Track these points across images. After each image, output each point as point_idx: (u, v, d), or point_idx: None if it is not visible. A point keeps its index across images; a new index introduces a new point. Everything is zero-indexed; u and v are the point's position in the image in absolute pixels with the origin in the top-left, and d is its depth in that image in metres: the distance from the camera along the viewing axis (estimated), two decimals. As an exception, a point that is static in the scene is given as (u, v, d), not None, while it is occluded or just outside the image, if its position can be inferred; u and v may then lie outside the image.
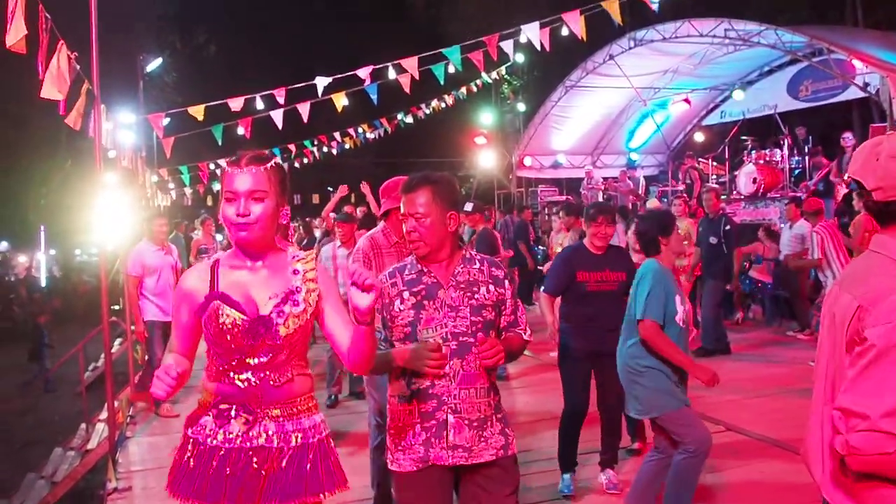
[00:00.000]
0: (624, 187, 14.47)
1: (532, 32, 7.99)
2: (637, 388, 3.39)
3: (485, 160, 18.90)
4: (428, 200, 2.34)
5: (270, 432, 1.96)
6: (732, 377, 6.59)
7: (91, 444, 6.37)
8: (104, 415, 6.82)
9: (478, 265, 2.43)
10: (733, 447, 4.78)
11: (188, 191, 19.20)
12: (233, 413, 1.95)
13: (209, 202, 21.33)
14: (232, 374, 1.96)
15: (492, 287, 2.39)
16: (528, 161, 16.41)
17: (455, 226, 2.39)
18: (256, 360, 1.95)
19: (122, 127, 8.41)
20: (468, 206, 7.73)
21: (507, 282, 2.45)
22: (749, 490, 4.09)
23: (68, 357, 10.87)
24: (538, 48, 8.25)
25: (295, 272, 2.02)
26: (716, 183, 12.99)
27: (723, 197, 11.78)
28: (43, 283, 24.58)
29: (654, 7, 8.51)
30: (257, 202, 1.92)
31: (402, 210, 2.39)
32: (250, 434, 1.95)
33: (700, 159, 13.63)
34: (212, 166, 14.76)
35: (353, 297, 1.86)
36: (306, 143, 15.06)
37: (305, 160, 16.49)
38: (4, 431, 9.89)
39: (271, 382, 1.96)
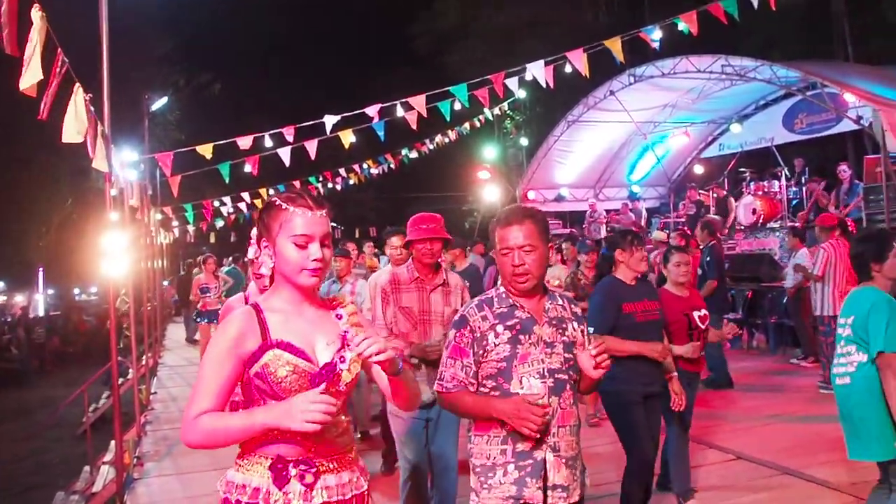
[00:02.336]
0: (626, 219, 14.55)
1: (537, 70, 8.14)
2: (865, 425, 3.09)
3: (488, 194, 19.03)
4: (535, 233, 2.27)
5: (332, 485, 1.86)
6: (740, 405, 6.57)
7: (96, 487, 6.28)
8: (108, 456, 6.77)
9: (560, 301, 2.39)
10: (744, 475, 4.75)
11: (191, 228, 19.26)
12: (292, 472, 1.80)
13: (211, 240, 21.42)
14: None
15: (576, 324, 2.36)
16: (531, 195, 16.52)
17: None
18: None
19: (129, 166, 8.46)
20: None
21: (584, 318, 2.43)
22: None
23: (72, 399, 10.76)
24: (543, 85, 8.39)
25: (339, 317, 1.95)
26: (715, 215, 13.09)
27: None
28: (41, 326, 24.46)
29: (655, 45, 8.68)
30: (327, 248, 1.86)
31: (501, 243, 2.29)
32: (312, 493, 1.82)
33: (701, 191, 13.74)
34: (216, 203, 14.84)
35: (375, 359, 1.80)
36: (311, 179, 15.18)
37: (309, 196, 16.52)
38: (4, 476, 9.75)
39: (329, 433, 1.84)
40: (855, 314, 3.10)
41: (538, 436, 2.13)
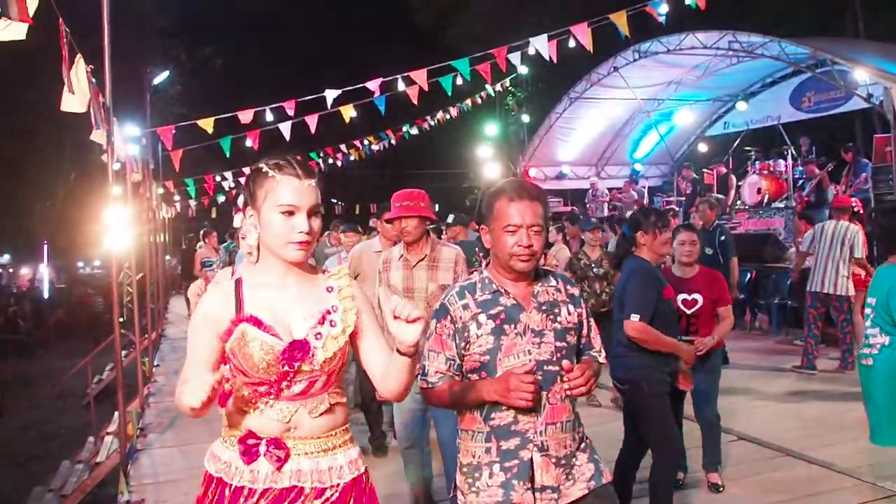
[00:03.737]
0: (628, 198, 14.49)
1: (541, 44, 8.05)
2: None
3: (489, 171, 18.96)
4: (543, 213, 2.10)
5: (305, 470, 1.74)
6: (741, 386, 6.58)
7: (100, 457, 6.34)
8: (112, 427, 6.83)
9: (554, 282, 2.19)
10: (746, 456, 4.77)
11: (192, 203, 19.25)
12: (262, 449, 1.72)
13: (213, 214, 21.40)
14: (261, 404, 1.74)
15: (571, 307, 2.16)
16: (532, 172, 16.43)
17: None
18: (290, 390, 1.74)
19: (131, 140, 8.42)
20: (450, 218, 7.46)
21: (581, 300, 2.23)
22: (764, 499, 4.06)
23: (77, 370, 10.84)
24: (546, 59, 8.31)
25: (329, 289, 1.82)
26: (721, 193, 13.04)
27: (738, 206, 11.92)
28: (45, 296, 24.61)
29: (661, 19, 8.57)
30: (315, 218, 1.75)
31: (506, 219, 2.08)
32: (281, 473, 1.73)
33: (704, 170, 13.65)
34: (217, 178, 14.80)
35: (398, 330, 1.67)
36: (312, 154, 15.12)
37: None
38: (9, 445, 9.85)
39: (308, 413, 1.75)
40: (877, 296, 3.05)
41: (532, 405, 1.95)
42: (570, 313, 2.15)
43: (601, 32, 8.32)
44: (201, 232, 12.01)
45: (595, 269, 5.97)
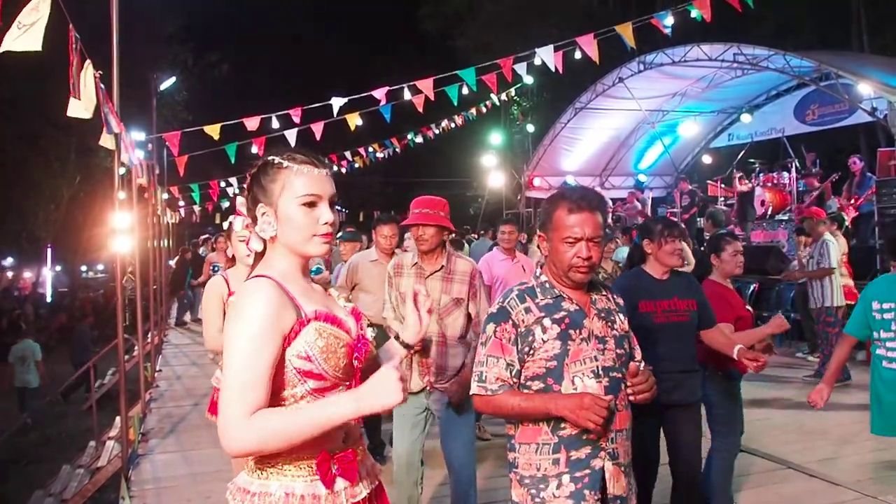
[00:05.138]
0: (632, 209, 14.51)
1: (547, 55, 8.09)
2: None
3: (494, 180, 19.00)
4: (604, 223, 2.06)
5: (363, 475, 1.64)
6: (742, 398, 6.55)
7: (101, 462, 6.35)
8: (114, 432, 6.84)
9: (604, 291, 2.17)
10: (746, 469, 4.75)
11: (197, 208, 19.32)
12: (333, 467, 1.56)
13: (217, 220, 21.48)
14: None
15: (622, 316, 2.15)
16: (537, 181, 16.48)
17: None
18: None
19: (137, 145, 8.47)
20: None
21: (625, 309, 2.23)
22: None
23: (79, 374, 10.85)
24: (552, 70, 8.35)
25: (328, 292, 1.74)
26: (724, 205, 13.04)
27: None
28: (48, 300, 24.69)
29: (667, 31, 8.62)
30: (334, 209, 1.63)
31: (565, 230, 2.03)
32: (355, 489, 1.60)
33: (708, 182, 13.66)
34: (222, 184, 14.86)
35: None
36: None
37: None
38: (11, 449, 9.86)
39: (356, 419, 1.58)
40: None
41: (602, 430, 1.90)
42: (622, 321, 2.14)
43: (607, 44, 8.36)
44: (211, 238, 12.05)
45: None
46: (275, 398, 1.50)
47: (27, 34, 2.84)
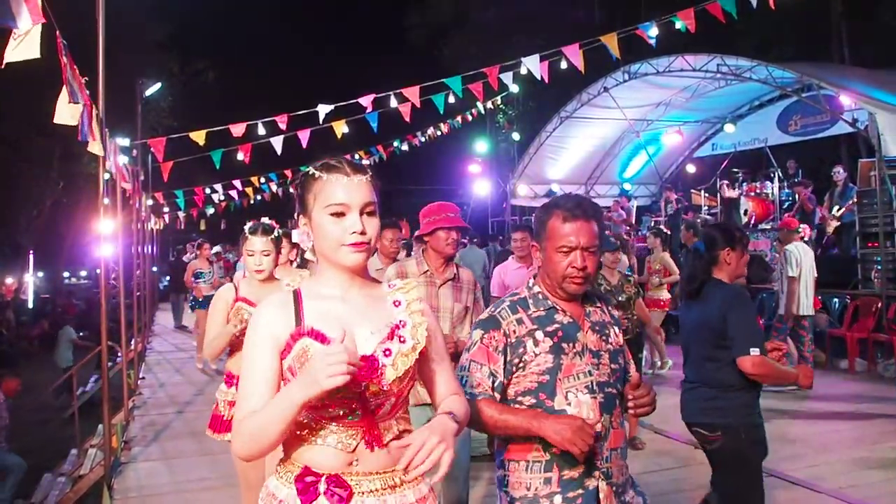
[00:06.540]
0: (617, 217, 14.62)
1: (532, 64, 8.16)
2: None
3: (479, 188, 19.06)
4: (599, 232, 1.96)
5: None
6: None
7: (84, 470, 6.29)
8: (96, 440, 6.77)
9: (598, 303, 2.09)
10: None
11: (181, 214, 19.21)
12: (321, 487, 1.51)
13: (202, 227, 21.36)
14: (322, 433, 1.54)
15: (616, 329, 2.08)
16: (522, 190, 16.55)
17: None
18: (354, 416, 1.53)
19: (122, 151, 8.43)
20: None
21: (620, 322, 2.16)
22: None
23: (61, 381, 10.72)
24: (538, 79, 8.41)
25: (396, 303, 1.64)
26: (708, 214, 13.18)
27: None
28: (30, 306, 24.38)
29: (652, 42, 8.72)
30: (371, 217, 1.58)
31: (559, 239, 1.95)
32: None
33: (692, 190, 13.80)
34: (207, 191, 14.79)
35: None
36: (303, 168, 15.09)
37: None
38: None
39: (373, 443, 1.54)
40: None
41: (584, 458, 1.83)
42: (616, 335, 2.06)
43: (592, 53, 8.45)
44: (196, 244, 11.99)
45: (619, 297, 5.23)
46: None
47: (23, 44, 2.85)
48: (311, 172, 1.60)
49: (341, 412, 1.52)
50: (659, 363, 8.00)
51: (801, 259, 7.32)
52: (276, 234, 3.41)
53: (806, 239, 8.53)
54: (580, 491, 1.88)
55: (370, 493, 1.53)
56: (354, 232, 1.54)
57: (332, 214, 1.55)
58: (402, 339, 1.58)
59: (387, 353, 1.55)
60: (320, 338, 1.52)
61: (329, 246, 1.56)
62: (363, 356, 1.52)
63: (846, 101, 10.25)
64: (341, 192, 1.55)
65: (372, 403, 1.54)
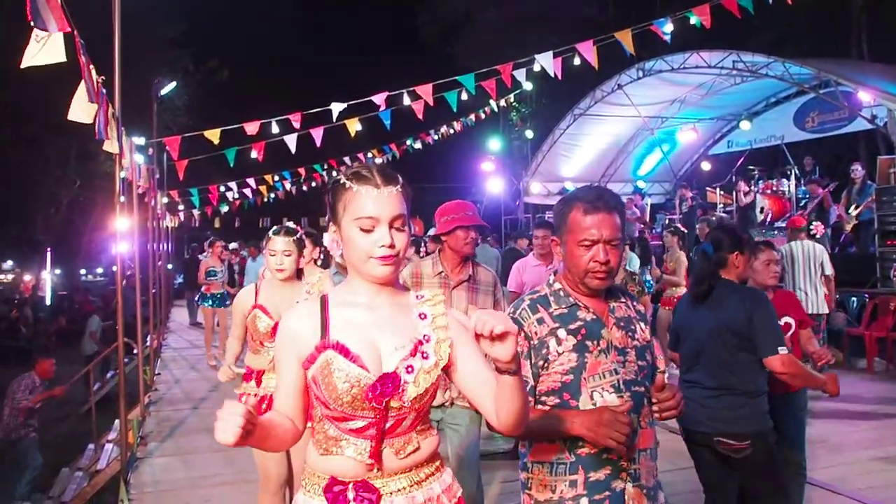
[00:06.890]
0: (631, 215, 14.52)
1: (546, 61, 8.12)
2: None
3: (492, 186, 19.03)
4: (621, 225, 1.90)
5: None
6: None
7: (100, 465, 6.35)
8: (113, 435, 6.83)
9: (623, 298, 2.01)
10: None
11: (196, 212, 19.35)
12: (350, 495, 1.54)
13: (216, 224, 21.51)
14: (344, 444, 1.55)
15: (642, 324, 1.98)
16: (535, 188, 16.51)
17: None
18: (375, 429, 1.54)
19: (137, 149, 8.49)
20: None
21: (646, 317, 2.07)
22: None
23: (78, 377, 10.83)
24: (552, 76, 8.38)
25: (422, 316, 1.61)
26: (723, 212, 13.07)
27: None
28: (48, 303, 24.69)
29: (666, 38, 8.65)
30: (400, 231, 1.56)
31: (581, 232, 1.88)
32: None
33: (707, 188, 13.69)
34: (222, 188, 14.89)
35: (488, 349, 1.41)
36: (316, 166, 15.19)
37: (314, 183, 16.65)
38: (6, 451, 9.83)
39: (394, 454, 1.56)
40: None
41: (625, 448, 1.77)
42: (642, 330, 1.98)
43: (606, 50, 8.39)
44: (206, 242, 12.04)
45: None
46: (309, 414, 1.64)
47: (47, 47, 2.88)
48: (341, 182, 1.58)
49: (361, 425, 1.54)
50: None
51: (796, 257, 7.27)
52: (298, 235, 3.47)
53: (819, 237, 8.44)
54: (607, 493, 1.82)
55: (398, 493, 1.56)
56: (383, 245, 1.54)
57: (361, 228, 1.54)
58: (424, 356, 1.56)
59: (409, 369, 1.54)
60: (344, 351, 1.53)
61: (357, 257, 1.56)
62: (384, 374, 1.53)
63: (865, 98, 10.12)
64: (371, 205, 1.54)
65: (392, 418, 1.55)
